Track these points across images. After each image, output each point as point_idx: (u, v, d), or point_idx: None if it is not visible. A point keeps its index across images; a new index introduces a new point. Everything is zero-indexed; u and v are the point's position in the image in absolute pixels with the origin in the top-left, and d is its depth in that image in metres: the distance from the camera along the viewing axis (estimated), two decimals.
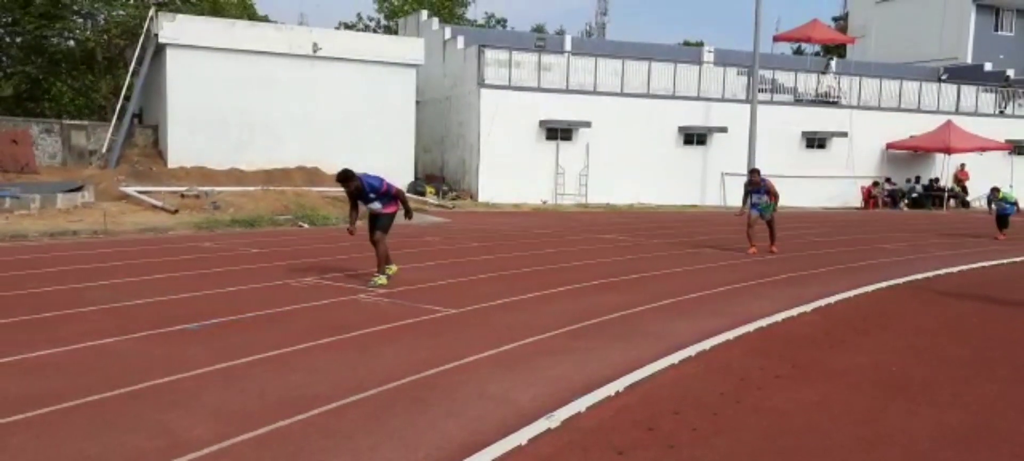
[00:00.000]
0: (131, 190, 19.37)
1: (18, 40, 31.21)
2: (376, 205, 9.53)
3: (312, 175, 23.30)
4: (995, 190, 19.04)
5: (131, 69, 24.73)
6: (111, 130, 23.48)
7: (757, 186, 14.22)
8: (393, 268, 9.72)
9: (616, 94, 27.70)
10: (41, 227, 14.46)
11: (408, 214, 9.86)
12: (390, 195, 9.54)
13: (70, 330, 6.87)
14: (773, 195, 14.16)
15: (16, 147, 21.58)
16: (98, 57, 31.18)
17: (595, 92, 27.51)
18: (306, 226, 17.60)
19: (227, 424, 4.66)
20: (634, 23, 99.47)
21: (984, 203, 20.72)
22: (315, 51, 24.15)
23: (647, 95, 28.08)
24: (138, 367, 5.76)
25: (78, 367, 5.84)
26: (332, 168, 24.08)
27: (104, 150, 23.19)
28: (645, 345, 6.90)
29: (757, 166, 17.36)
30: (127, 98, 24.25)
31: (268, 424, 4.67)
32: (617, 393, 5.50)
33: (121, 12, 30.94)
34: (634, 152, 27.43)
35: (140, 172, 21.89)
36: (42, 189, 17.82)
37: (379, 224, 9.60)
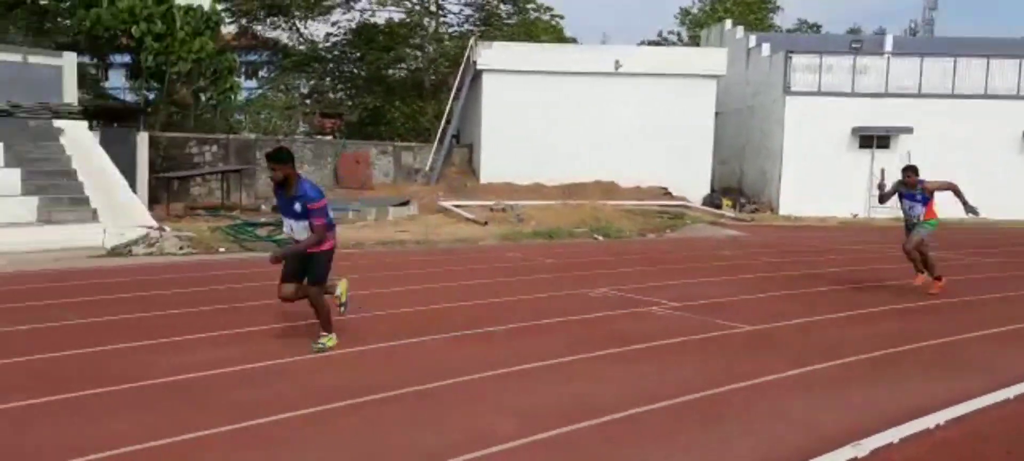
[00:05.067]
0: (448, 204, 21.36)
1: (363, 73, 36.25)
2: (299, 225, 6.43)
3: (608, 189, 23.86)
4: None
5: (453, 94, 27.40)
6: (433, 150, 26.18)
7: (912, 189, 10.50)
8: (332, 340, 6.65)
9: (945, 96, 24.75)
10: (376, 237, 16.45)
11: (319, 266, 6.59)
12: (326, 223, 6.42)
13: (391, 329, 7.69)
14: (931, 202, 10.33)
15: (358, 167, 24.94)
16: (426, 84, 35.01)
17: (919, 95, 24.83)
18: (601, 239, 18.03)
19: (528, 423, 4.86)
20: (967, 16, 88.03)
21: None
22: (617, 68, 24.76)
23: (984, 96, 24.71)
24: (447, 365, 6.29)
25: (397, 362, 6.48)
26: (627, 182, 24.66)
27: (427, 168, 25.92)
28: (974, 380, 6.05)
29: (914, 163, 11.81)
30: (448, 121, 26.89)
31: (561, 427, 4.82)
32: (937, 426, 4.90)
33: (448, 43, 34.61)
34: (965, 159, 24.18)
35: (456, 188, 24.11)
36: (377, 203, 20.40)
37: (313, 269, 6.51)
